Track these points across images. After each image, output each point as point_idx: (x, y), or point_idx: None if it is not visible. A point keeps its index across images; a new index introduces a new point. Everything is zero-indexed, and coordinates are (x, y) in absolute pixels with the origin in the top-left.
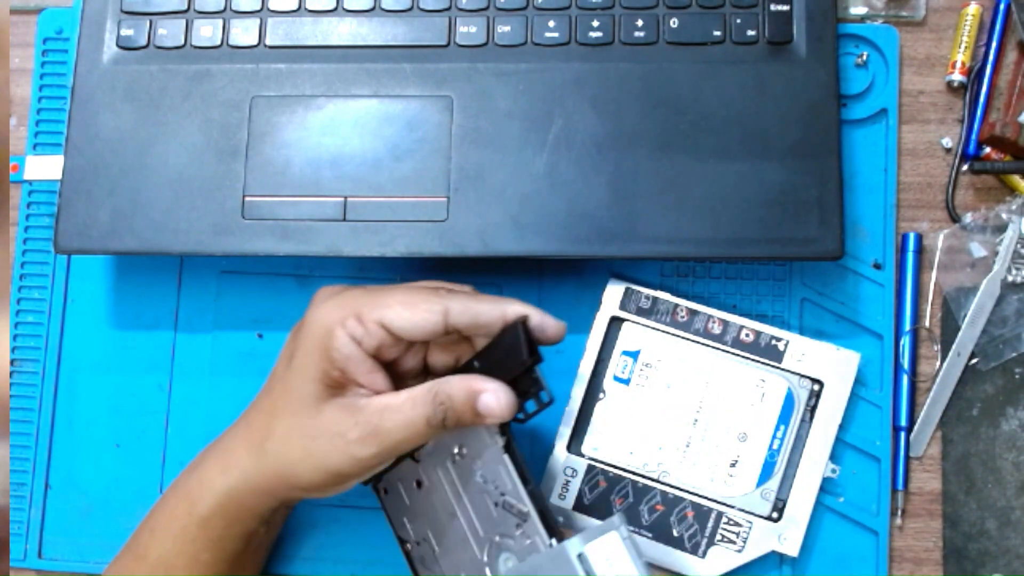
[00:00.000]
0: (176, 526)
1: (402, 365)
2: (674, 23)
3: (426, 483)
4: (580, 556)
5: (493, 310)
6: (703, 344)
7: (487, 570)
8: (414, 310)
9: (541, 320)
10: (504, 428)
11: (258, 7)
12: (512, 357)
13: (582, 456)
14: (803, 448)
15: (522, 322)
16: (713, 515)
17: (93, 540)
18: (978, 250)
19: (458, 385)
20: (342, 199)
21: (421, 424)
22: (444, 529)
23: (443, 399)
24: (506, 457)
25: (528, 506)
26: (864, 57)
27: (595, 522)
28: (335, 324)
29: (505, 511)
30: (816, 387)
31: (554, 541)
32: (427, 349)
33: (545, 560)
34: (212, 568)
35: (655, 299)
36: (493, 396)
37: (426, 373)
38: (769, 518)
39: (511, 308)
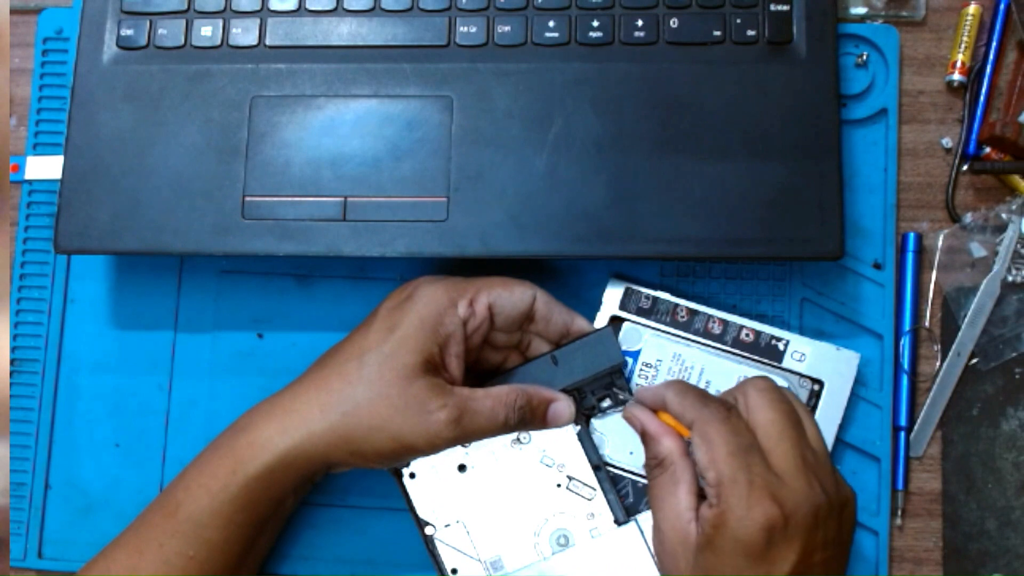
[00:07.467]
0: (216, 484)
1: (467, 358)
2: (674, 23)
3: (470, 467)
4: (644, 532)
5: (566, 314)
6: (703, 344)
7: (536, 545)
8: (512, 291)
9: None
10: (578, 418)
11: (258, 7)
12: (603, 356)
13: None
14: None
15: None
16: None
17: (93, 540)
18: (978, 250)
19: (536, 395)
20: (342, 199)
21: (500, 420)
22: (486, 510)
23: (522, 403)
24: (581, 442)
25: (598, 487)
26: (864, 57)
27: None
28: (448, 304)
29: (571, 492)
30: (816, 387)
31: (619, 517)
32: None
33: (615, 535)
34: (244, 529)
35: (655, 299)
36: (564, 405)
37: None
38: None
39: (579, 320)
